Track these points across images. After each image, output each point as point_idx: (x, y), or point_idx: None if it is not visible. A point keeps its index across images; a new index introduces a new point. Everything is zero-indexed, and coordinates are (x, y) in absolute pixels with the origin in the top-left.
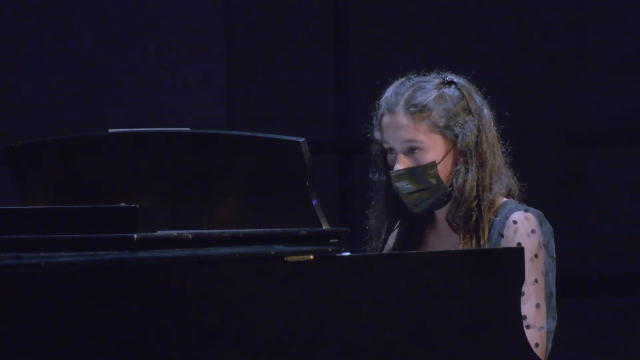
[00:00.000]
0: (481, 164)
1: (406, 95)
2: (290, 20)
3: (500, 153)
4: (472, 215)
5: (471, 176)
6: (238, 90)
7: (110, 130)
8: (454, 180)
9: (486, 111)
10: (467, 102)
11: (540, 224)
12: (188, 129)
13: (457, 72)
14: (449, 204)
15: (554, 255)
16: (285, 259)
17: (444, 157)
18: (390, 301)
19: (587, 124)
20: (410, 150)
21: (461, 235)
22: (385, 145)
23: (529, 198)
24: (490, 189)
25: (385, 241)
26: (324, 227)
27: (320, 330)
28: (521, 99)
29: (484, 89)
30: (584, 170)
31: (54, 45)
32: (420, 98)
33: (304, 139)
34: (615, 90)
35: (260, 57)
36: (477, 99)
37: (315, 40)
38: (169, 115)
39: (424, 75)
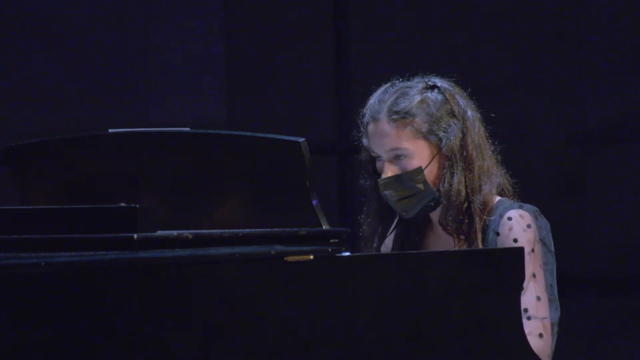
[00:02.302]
0: (467, 167)
1: (389, 102)
2: (290, 21)
3: (490, 153)
4: (464, 218)
5: (457, 179)
6: (238, 90)
7: (110, 130)
8: (441, 184)
9: (470, 113)
10: (451, 106)
11: (536, 218)
12: (188, 129)
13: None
14: (441, 208)
15: (553, 249)
16: (285, 259)
17: (429, 162)
18: (390, 301)
19: (588, 124)
20: (396, 158)
21: (455, 239)
22: (373, 153)
23: (529, 198)
24: (480, 190)
25: (378, 248)
26: (324, 227)
27: (320, 330)
28: (521, 99)
29: (470, 90)
30: (584, 170)
31: (54, 45)
32: (403, 104)
33: (304, 139)
34: (615, 90)
35: (260, 57)
36: (461, 102)
37: (315, 40)
38: (169, 115)
39: (408, 80)
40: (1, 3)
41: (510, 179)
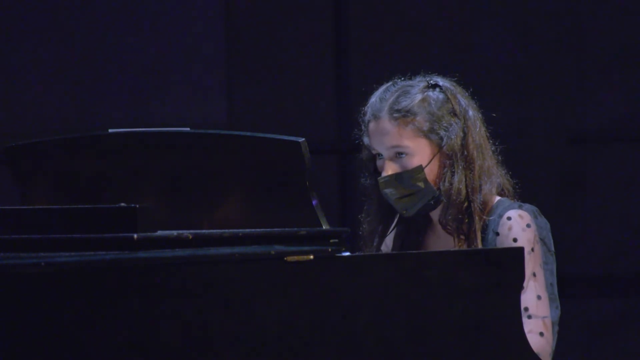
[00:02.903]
0: (468, 166)
1: (390, 100)
2: (290, 20)
3: (491, 153)
4: (464, 217)
5: (457, 178)
6: (238, 91)
7: (110, 130)
8: (441, 183)
9: (472, 112)
10: (452, 105)
11: (535, 217)
12: (188, 129)
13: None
14: (441, 207)
15: (553, 249)
16: (285, 259)
17: (430, 161)
18: (390, 301)
19: (588, 124)
20: (397, 156)
21: (455, 238)
22: (373, 151)
23: (529, 198)
24: (480, 190)
25: (378, 247)
26: (324, 227)
27: (320, 330)
28: (521, 99)
29: (471, 89)
30: (584, 170)
31: (53, 45)
32: (405, 103)
33: (304, 139)
34: (616, 90)
35: (260, 57)
36: (463, 101)
37: (315, 40)
38: (169, 115)
39: (410, 79)
40: (1, 3)
41: (510, 179)
